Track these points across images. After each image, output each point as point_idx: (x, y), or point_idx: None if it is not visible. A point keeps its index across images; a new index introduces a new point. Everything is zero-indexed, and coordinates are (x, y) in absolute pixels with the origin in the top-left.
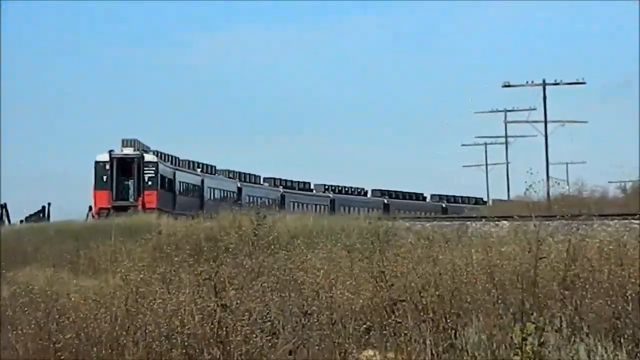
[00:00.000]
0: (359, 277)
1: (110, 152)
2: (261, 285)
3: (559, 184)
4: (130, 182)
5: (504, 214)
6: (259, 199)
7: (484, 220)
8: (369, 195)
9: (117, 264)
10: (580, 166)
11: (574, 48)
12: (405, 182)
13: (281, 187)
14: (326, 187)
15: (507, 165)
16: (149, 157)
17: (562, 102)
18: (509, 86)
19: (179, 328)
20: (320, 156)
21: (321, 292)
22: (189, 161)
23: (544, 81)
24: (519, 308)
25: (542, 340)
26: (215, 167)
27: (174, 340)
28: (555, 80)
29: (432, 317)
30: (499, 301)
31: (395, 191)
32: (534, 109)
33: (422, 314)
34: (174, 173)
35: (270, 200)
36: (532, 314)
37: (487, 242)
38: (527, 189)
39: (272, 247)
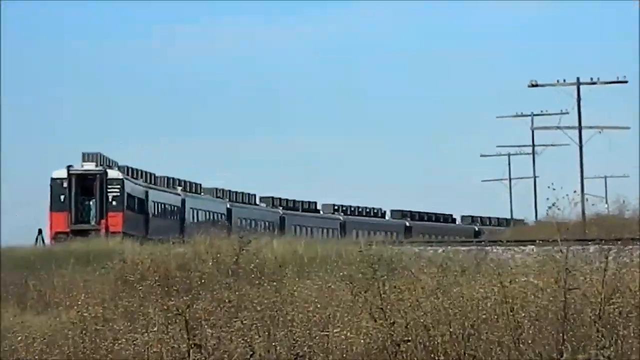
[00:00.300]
0: (359, 313)
1: (68, 167)
2: (243, 322)
3: (588, 201)
4: (92, 202)
5: (529, 237)
6: (252, 221)
7: (504, 245)
8: (387, 217)
9: (72, 297)
10: (621, 180)
11: (613, 43)
12: (412, 200)
13: (281, 207)
14: (336, 207)
15: (535, 180)
16: (113, 174)
17: (600, 105)
18: (536, 86)
19: None
20: (312, 165)
21: (314, 330)
22: (167, 178)
23: (578, 80)
24: (547, 350)
25: None
26: (200, 185)
27: None
28: (592, 79)
29: None
30: (523, 342)
31: (419, 212)
32: (566, 113)
33: (431, 356)
34: (147, 192)
35: (267, 224)
36: (562, 358)
37: (509, 272)
38: (549, 207)
39: (257, 277)
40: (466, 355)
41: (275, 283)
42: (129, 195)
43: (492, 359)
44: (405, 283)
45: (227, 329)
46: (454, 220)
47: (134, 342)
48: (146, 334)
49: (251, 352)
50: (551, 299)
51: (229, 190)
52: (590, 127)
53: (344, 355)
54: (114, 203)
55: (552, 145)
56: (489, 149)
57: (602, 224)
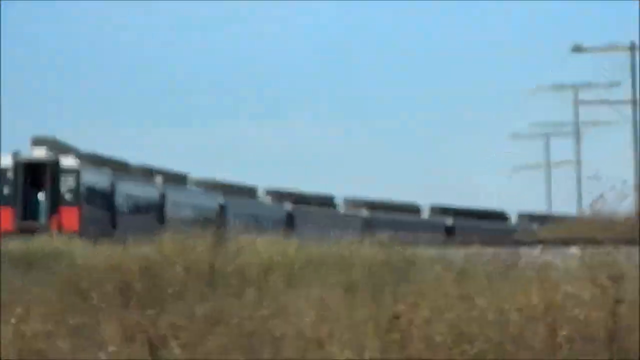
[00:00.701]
0: (363, 328)
1: (14, 154)
2: (220, 340)
3: None
4: (42, 196)
5: (572, 236)
6: (253, 218)
7: (540, 246)
8: (424, 214)
9: (6, 309)
10: None
11: None
12: (423, 191)
13: (290, 202)
14: (358, 202)
15: (579, 166)
16: (67, 162)
17: None
18: (580, 50)
19: None
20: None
21: (309, 350)
22: (144, 167)
23: (632, 44)
24: None
25: None
26: (186, 175)
27: None
28: None
29: None
30: None
31: (464, 209)
32: (618, 84)
33: None
34: (113, 183)
35: (271, 222)
36: None
37: (547, 278)
38: (593, 202)
39: (237, 284)
40: None
41: (260, 292)
42: (88, 187)
43: None
44: (420, 290)
45: (201, 349)
46: (506, 219)
47: None
48: (101, 354)
49: None
50: (596, 313)
51: (223, 182)
52: None
53: None
54: (67, 196)
55: (600, 123)
56: (521, 128)
57: None
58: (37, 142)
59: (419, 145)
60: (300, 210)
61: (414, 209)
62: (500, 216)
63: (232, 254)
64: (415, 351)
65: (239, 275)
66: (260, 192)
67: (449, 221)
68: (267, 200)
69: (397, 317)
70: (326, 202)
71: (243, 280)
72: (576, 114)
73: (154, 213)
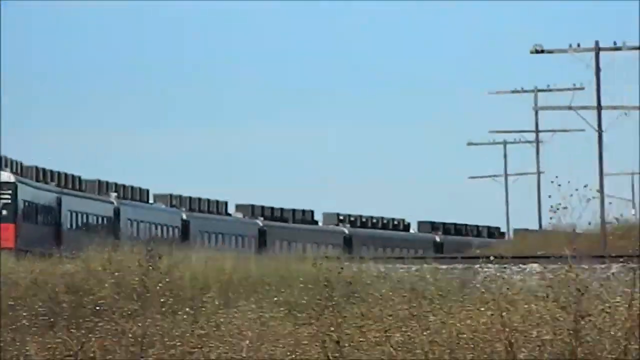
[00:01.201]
0: (306, 350)
1: None
2: None
3: (611, 204)
4: None
5: (531, 252)
6: (220, 236)
7: (498, 262)
8: (412, 230)
9: None
10: None
11: None
12: (376, 201)
13: (262, 217)
14: (340, 217)
15: (539, 177)
16: (2, 176)
17: (625, 78)
18: (541, 52)
19: None
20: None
21: None
22: (99, 182)
23: (596, 44)
24: None
25: None
26: (147, 190)
27: None
28: (615, 44)
29: None
30: None
31: (455, 224)
32: (582, 89)
33: None
34: (59, 198)
35: (241, 239)
36: None
37: (505, 297)
38: (554, 211)
39: (170, 303)
40: None
41: (193, 311)
42: (28, 203)
43: None
44: (368, 310)
45: None
46: (502, 235)
47: None
48: None
49: None
50: (559, 331)
51: (189, 197)
52: (613, 108)
53: None
54: (3, 212)
55: (562, 130)
56: (479, 136)
57: (629, 235)
58: None
59: (376, 154)
60: (273, 226)
61: (401, 225)
62: (495, 232)
63: (165, 270)
64: None
65: (172, 293)
66: (231, 208)
67: (438, 237)
68: (238, 215)
69: (338, 340)
70: (304, 218)
71: (176, 298)
72: (537, 121)
73: (106, 230)
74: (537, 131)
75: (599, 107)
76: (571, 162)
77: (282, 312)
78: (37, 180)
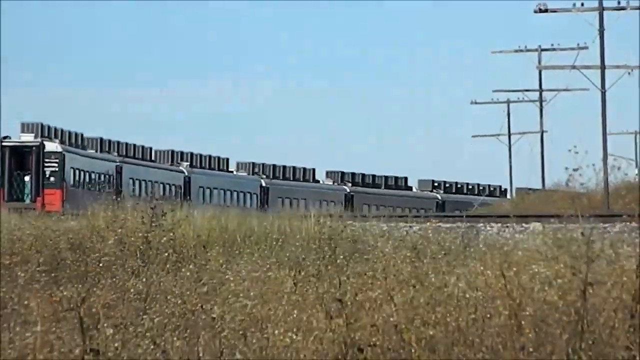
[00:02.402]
0: (307, 309)
1: (2, 139)
2: (154, 320)
3: (619, 168)
4: (28, 178)
5: (535, 211)
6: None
7: (501, 221)
8: (415, 189)
9: None
10: None
11: None
12: (378, 160)
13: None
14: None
15: (542, 136)
16: (51, 146)
17: (630, 38)
18: (545, 11)
19: None
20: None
21: (249, 332)
22: (173, 152)
23: (600, 4)
24: None
25: None
26: (227, 159)
27: None
28: (619, 3)
29: None
30: (527, 351)
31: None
32: (585, 48)
33: None
34: (119, 167)
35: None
36: None
37: (508, 257)
38: (569, 178)
39: (173, 260)
40: None
41: (197, 269)
42: (73, 169)
43: None
44: (370, 269)
45: (134, 329)
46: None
47: (10, 346)
48: (26, 335)
49: None
50: (564, 294)
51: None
52: (617, 67)
53: None
54: (52, 179)
55: (565, 90)
56: (483, 95)
57: (632, 195)
58: (27, 127)
59: (379, 111)
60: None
61: (402, 183)
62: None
63: (168, 227)
64: (363, 335)
65: (175, 250)
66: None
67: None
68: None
69: (340, 299)
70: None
71: (179, 256)
72: (540, 80)
73: (171, 196)
74: (540, 90)
75: (603, 67)
76: (574, 122)
77: (284, 271)
78: (102, 151)
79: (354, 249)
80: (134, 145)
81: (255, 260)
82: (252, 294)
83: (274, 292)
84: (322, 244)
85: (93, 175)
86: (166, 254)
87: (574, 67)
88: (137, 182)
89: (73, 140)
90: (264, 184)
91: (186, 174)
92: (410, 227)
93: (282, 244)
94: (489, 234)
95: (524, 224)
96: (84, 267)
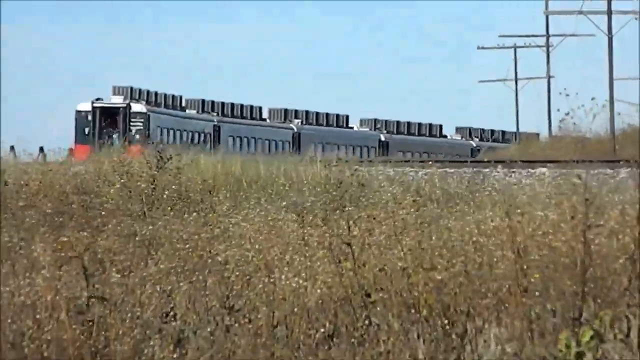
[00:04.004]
0: (314, 254)
1: (93, 101)
2: (160, 264)
3: (619, 113)
4: (116, 136)
5: (540, 156)
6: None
7: (507, 166)
8: (450, 136)
9: None
10: None
11: None
12: (386, 106)
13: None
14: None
15: (549, 81)
16: (137, 107)
17: None
18: None
19: (31, 332)
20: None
21: (255, 276)
22: (286, 110)
23: None
24: (563, 306)
25: (599, 354)
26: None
27: (25, 350)
28: None
29: (426, 317)
30: (531, 295)
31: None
32: None
33: (411, 311)
34: (217, 126)
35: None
36: (582, 315)
37: (514, 202)
38: (561, 121)
39: (179, 204)
40: (457, 309)
41: (203, 213)
42: (158, 128)
43: (488, 316)
44: (379, 215)
45: (139, 274)
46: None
47: (18, 290)
48: (30, 280)
49: (170, 305)
50: (567, 239)
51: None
52: (624, 12)
53: (295, 310)
54: (137, 137)
55: (572, 35)
56: (489, 40)
57: (637, 140)
58: (117, 90)
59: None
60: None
61: (437, 131)
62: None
63: (174, 172)
64: (370, 279)
65: (180, 195)
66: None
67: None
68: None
69: (349, 242)
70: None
71: (184, 200)
72: (547, 25)
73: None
74: (547, 35)
75: (609, 12)
76: (581, 67)
77: (291, 215)
78: (203, 111)
79: (361, 192)
80: (232, 104)
81: (263, 205)
82: (260, 238)
83: (280, 237)
84: (329, 188)
85: (185, 134)
86: (172, 198)
87: (580, 12)
88: (237, 140)
89: (164, 102)
90: (295, 130)
91: (295, 130)
92: (417, 172)
93: (289, 189)
94: (496, 179)
95: (529, 169)
96: (90, 211)
